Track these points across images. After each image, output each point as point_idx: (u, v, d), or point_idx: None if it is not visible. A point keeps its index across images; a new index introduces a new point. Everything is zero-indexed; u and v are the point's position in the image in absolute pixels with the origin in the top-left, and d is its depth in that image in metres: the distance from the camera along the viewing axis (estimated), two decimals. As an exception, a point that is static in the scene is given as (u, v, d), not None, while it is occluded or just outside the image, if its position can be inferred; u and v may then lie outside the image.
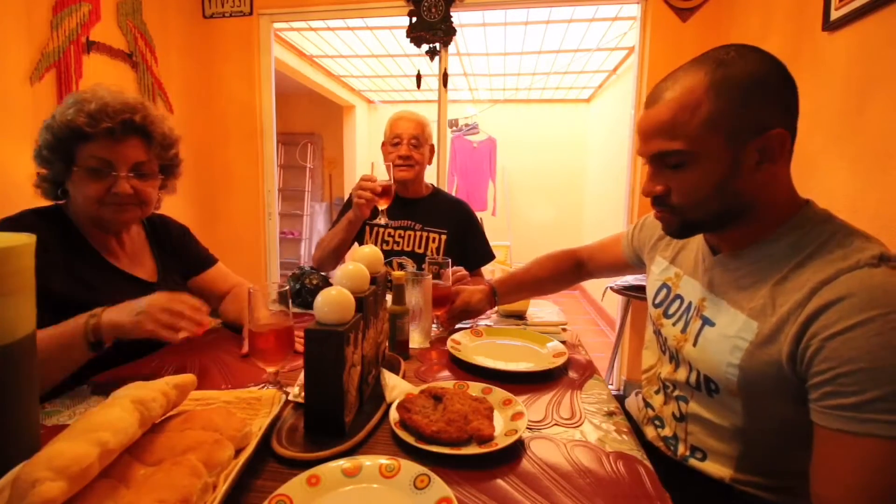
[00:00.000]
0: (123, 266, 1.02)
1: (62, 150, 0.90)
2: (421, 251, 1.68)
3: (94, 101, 0.91)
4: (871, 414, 0.54)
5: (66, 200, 0.98)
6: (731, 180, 0.66)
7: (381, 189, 1.28)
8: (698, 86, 0.65)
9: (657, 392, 0.87)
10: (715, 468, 0.74)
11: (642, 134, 0.71)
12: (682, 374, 0.78)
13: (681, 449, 0.79)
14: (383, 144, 1.73)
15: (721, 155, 0.65)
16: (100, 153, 0.91)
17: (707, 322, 0.73)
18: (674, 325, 0.82)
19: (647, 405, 0.90)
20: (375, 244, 1.69)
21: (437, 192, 1.81)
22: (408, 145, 1.63)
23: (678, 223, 0.73)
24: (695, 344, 0.74)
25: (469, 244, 1.74)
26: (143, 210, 1.00)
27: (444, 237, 1.69)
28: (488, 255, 1.79)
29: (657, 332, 0.89)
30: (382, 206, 1.34)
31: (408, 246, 1.69)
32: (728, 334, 0.69)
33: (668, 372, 0.83)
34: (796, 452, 0.65)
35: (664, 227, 0.78)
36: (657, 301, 0.89)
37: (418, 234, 1.69)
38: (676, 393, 0.81)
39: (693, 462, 0.77)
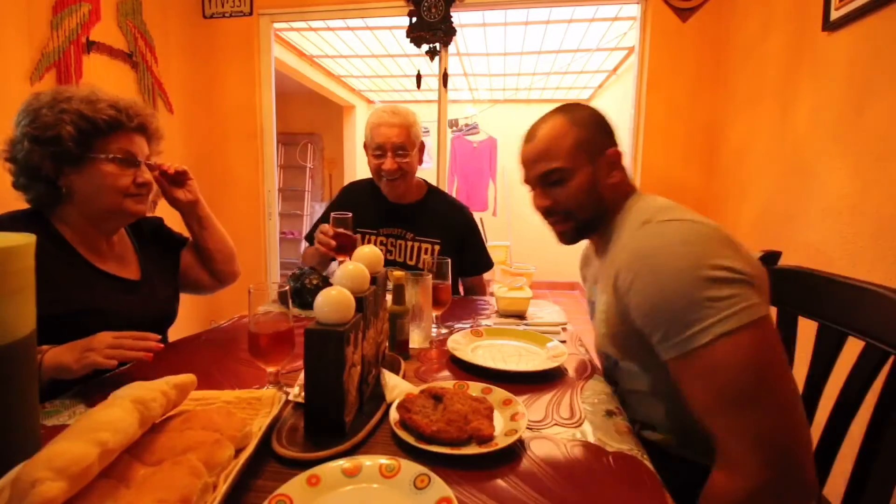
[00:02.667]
0: (110, 268, 1.02)
1: (82, 143, 0.91)
2: (413, 263, 1.55)
3: (108, 98, 0.95)
4: (671, 340, 0.66)
5: (56, 202, 0.95)
6: (595, 186, 0.87)
7: (335, 244, 1.11)
8: (562, 122, 0.88)
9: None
10: (660, 436, 0.84)
11: (526, 162, 0.93)
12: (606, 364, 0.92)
13: (636, 427, 0.86)
14: (365, 147, 1.56)
15: (586, 168, 0.86)
16: (127, 146, 0.96)
17: (596, 309, 0.89)
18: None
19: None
20: None
21: (431, 194, 1.64)
22: (392, 158, 1.46)
23: (573, 227, 0.91)
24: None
25: (466, 253, 1.59)
26: (148, 202, 1.04)
27: (437, 247, 1.55)
28: (486, 264, 1.65)
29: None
30: (341, 259, 1.09)
31: (399, 256, 1.56)
32: (599, 310, 0.85)
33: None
34: None
35: (559, 237, 0.94)
36: (591, 317, 0.99)
37: (409, 243, 1.55)
38: (610, 381, 0.92)
39: (651, 434, 0.85)
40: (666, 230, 0.71)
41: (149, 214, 1.17)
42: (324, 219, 1.63)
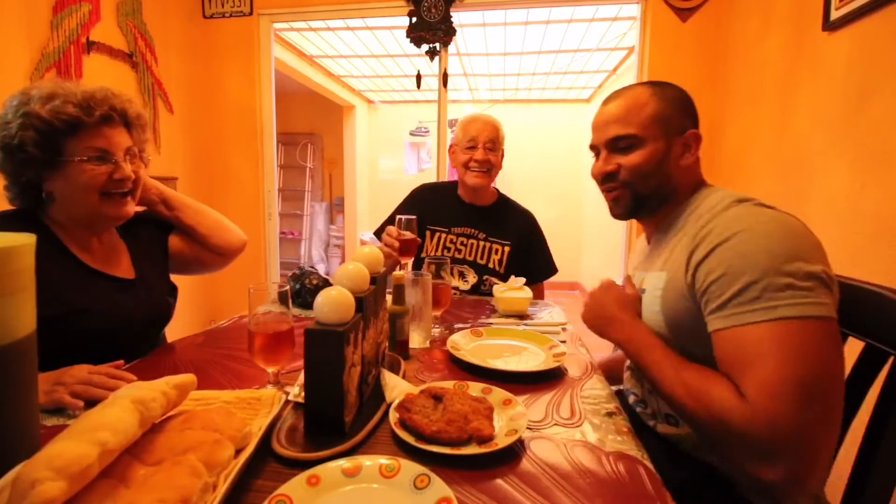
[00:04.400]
0: (102, 266, 0.99)
1: (48, 147, 0.87)
2: (483, 262, 1.62)
3: (65, 93, 0.89)
4: (731, 309, 0.67)
5: (44, 204, 0.94)
6: (664, 163, 0.86)
7: (398, 245, 1.21)
8: (644, 93, 0.88)
9: (633, 377, 0.98)
10: (681, 430, 0.84)
11: (598, 125, 0.91)
12: None
13: (660, 419, 0.88)
14: (452, 148, 1.67)
15: (659, 142, 0.85)
16: (97, 143, 0.90)
17: (643, 292, 0.89)
18: None
19: (632, 392, 0.98)
20: (436, 250, 1.65)
21: (503, 200, 1.73)
22: (484, 149, 1.58)
23: (630, 196, 0.89)
24: (640, 315, 0.88)
25: (533, 257, 1.67)
26: (135, 199, 0.99)
27: (507, 249, 1.62)
28: (550, 269, 1.71)
29: None
30: (404, 261, 1.27)
31: (470, 255, 1.63)
32: (650, 291, 0.85)
33: None
34: None
35: (613, 204, 0.93)
36: None
37: (481, 243, 1.63)
38: None
39: (669, 428, 0.86)
40: (767, 214, 0.71)
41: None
42: (394, 217, 1.70)
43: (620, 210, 0.92)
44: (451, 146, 1.70)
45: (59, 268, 0.92)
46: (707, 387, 0.67)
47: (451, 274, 1.58)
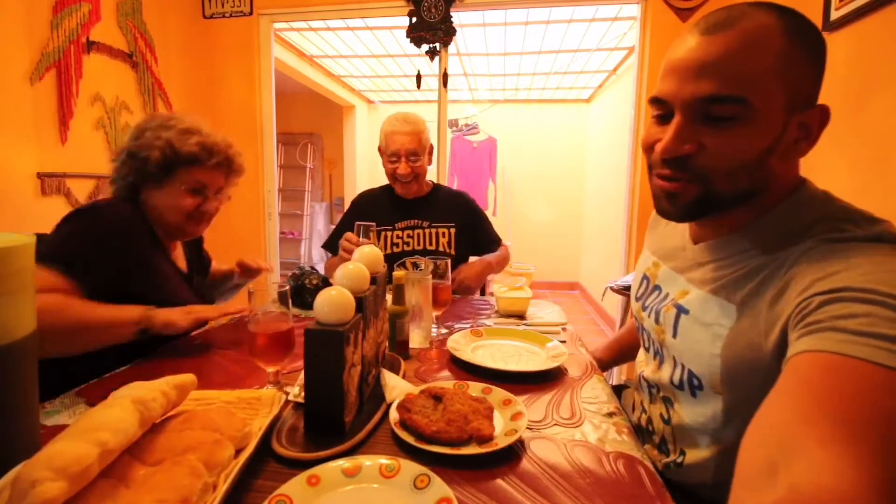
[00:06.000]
0: (176, 260, 1.19)
1: (164, 168, 1.06)
2: (432, 248, 1.69)
3: (201, 133, 1.10)
4: (869, 339, 0.41)
5: (137, 204, 1.10)
6: (770, 153, 0.55)
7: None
8: (774, 25, 0.53)
9: (643, 391, 0.84)
10: (694, 474, 0.71)
11: (688, 67, 0.55)
12: (666, 372, 0.73)
13: (671, 455, 0.76)
14: (380, 151, 1.72)
15: (776, 117, 0.53)
16: (203, 178, 1.10)
17: (682, 310, 0.67)
18: (649, 316, 0.77)
19: (643, 409, 0.85)
20: (385, 248, 1.69)
21: (437, 188, 1.81)
22: (406, 162, 1.62)
23: (697, 194, 0.59)
24: (674, 335, 0.68)
25: (478, 233, 1.77)
26: (208, 223, 1.18)
27: (453, 230, 1.70)
28: (496, 241, 1.80)
29: (640, 328, 0.85)
30: None
31: (418, 245, 1.69)
32: (706, 322, 0.62)
33: (651, 370, 0.79)
34: None
35: (666, 203, 0.63)
36: (638, 294, 0.84)
37: (426, 231, 1.69)
38: (662, 394, 0.76)
39: (677, 470, 0.74)
40: None
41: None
42: (340, 228, 1.79)
43: (675, 210, 0.62)
44: (378, 148, 1.73)
45: (161, 260, 1.11)
46: None
47: (406, 267, 1.63)
